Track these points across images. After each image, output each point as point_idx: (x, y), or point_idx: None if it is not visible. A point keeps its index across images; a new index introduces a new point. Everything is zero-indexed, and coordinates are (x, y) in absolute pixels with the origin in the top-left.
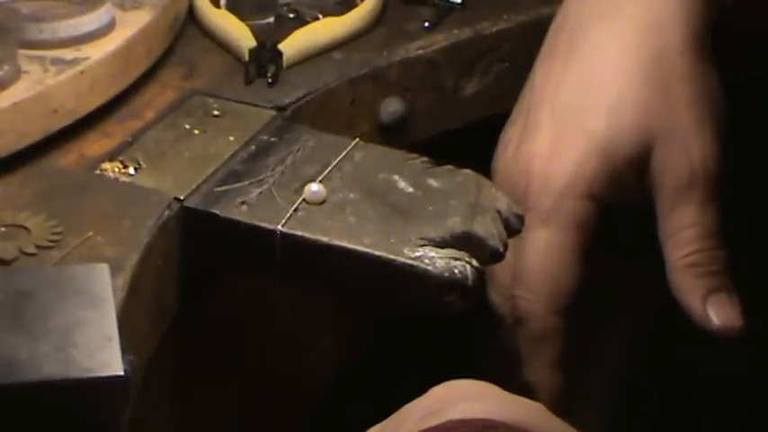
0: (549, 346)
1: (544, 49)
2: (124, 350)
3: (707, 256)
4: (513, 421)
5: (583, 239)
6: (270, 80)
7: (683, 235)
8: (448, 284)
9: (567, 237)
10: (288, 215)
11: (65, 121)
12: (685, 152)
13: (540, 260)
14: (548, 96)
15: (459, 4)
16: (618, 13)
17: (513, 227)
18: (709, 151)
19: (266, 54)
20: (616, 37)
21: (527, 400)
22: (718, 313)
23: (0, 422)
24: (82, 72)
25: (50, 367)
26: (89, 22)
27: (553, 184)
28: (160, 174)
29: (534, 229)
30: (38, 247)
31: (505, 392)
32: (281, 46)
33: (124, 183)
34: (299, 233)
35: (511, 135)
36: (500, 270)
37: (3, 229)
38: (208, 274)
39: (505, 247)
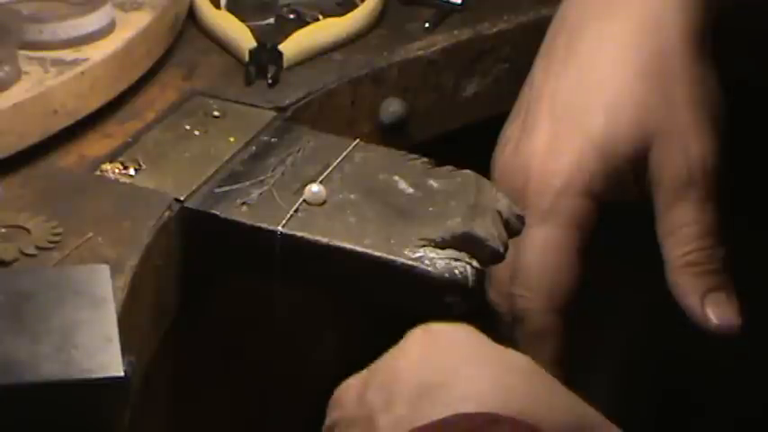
0: (547, 343)
1: (543, 49)
2: (124, 351)
3: (705, 254)
4: (519, 413)
5: (581, 237)
6: (270, 81)
7: (682, 233)
8: (448, 285)
9: (565, 235)
10: (288, 216)
11: (65, 122)
12: (683, 151)
13: (539, 258)
14: (546, 95)
15: (458, 5)
16: (616, 13)
17: (514, 227)
18: (708, 150)
19: (266, 55)
20: (614, 36)
21: (518, 362)
22: (717, 312)
23: (0, 422)
24: (82, 73)
25: (51, 368)
26: (89, 23)
27: (551, 183)
28: (160, 174)
29: (532, 227)
30: (38, 247)
31: (493, 351)
32: (281, 47)
33: (124, 183)
34: (300, 234)
35: (510, 134)
36: (499, 268)
37: (3, 230)
38: (208, 275)
39: (506, 247)
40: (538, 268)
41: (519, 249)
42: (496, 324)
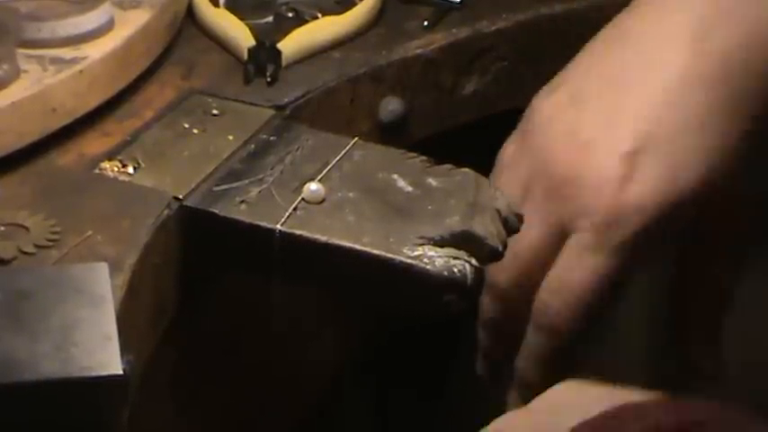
0: (561, 360)
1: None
2: (123, 349)
3: None
4: None
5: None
6: (269, 79)
7: None
8: (447, 283)
9: (623, 272)
10: (287, 214)
11: (64, 121)
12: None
13: (589, 286)
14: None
15: (457, 4)
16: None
17: (512, 226)
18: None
19: (265, 53)
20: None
21: None
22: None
23: None
24: (81, 71)
25: (49, 367)
26: (88, 21)
27: (630, 218)
28: (159, 173)
29: (587, 250)
30: (37, 246)
31: None
32: (280, 45)
33: (123, 182)
34: (299, 232)
35: (555, 102)
36: (494, 270)
37: (2, 228)
38: (207, 274)
39: (504, 246)
40: (585, 295)
41: (563, 263)
42: (481, 327)
